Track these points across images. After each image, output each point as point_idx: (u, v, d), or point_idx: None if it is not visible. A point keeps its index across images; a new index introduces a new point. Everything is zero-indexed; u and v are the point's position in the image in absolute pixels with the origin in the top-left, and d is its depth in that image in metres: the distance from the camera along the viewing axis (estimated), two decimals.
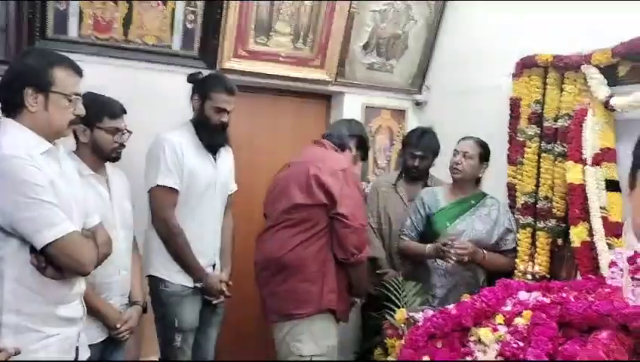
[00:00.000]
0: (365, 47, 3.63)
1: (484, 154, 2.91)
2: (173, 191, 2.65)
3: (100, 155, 2.42)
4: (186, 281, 2.70)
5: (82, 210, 1.96)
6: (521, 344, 1.84)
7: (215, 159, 2.80)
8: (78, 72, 1.93)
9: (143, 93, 3.05)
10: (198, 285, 2.71)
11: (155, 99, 3.12)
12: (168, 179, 2.62)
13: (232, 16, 3.15)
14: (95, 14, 2.90)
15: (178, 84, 3.20)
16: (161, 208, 2.64)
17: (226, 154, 2.89)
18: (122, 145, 2.45)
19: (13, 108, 1.83)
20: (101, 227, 2.05)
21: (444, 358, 1.93)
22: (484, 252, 2.83)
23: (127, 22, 2.99)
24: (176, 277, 2.68)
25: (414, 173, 3.28)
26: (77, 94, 1.91)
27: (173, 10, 3.07)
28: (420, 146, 3.22)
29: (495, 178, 3.06)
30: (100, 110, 2.37)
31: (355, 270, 2.68)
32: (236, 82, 3.42)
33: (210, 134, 2.75)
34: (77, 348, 1.95)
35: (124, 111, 2.48)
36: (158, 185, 2.62)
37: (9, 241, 1.77)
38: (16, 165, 1.73)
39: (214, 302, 2.79)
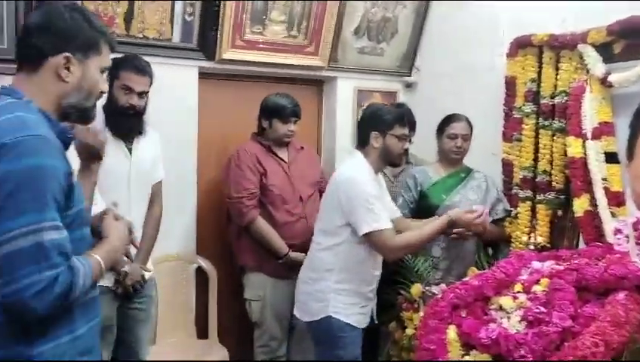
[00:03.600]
0: (356, 31, 3.70)
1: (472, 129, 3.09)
2: None
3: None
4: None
5: None
6: (543, 309, 1.98)
7: (130, 148, 2.67)
8: None
9: None
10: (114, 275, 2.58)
11: (157, 92, 3.16)
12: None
13: (228, 6, 3.19)
14: (97, 10, 2.90)
15: (179, 76, 3.28)
16: None
17: (147, 142, 2.74)
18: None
19: None
20: None
21: (469, 326, 2.05)
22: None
23: (128, 17, 3.00)
24: None
25: None
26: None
27: (173, 3, 3.09)
28: None
29: (484, 153, 3.20)
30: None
31: (250, 234, 3.11)
32: (235, 72, 3.53)
33: (118, 119, 2.59)
34: None
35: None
36: None
37: None
38: None
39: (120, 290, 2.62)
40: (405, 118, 2.69)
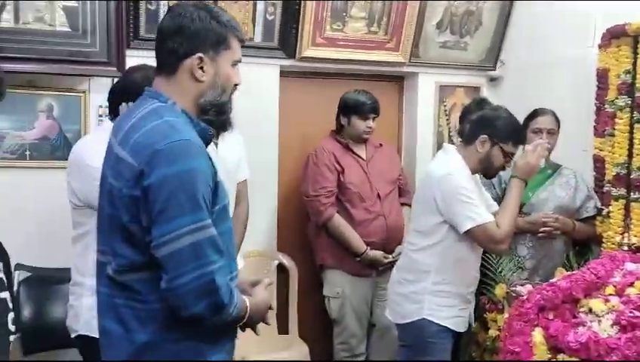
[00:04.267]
0: (439, 25, 3.63)
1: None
2: None
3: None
4: None
5: None
6: (638, 313, 1.87)
7: (216, 142, 2.61)
8: None
9: None
10: None
11: (239, 91, 3.22)
12: None
13: (309, 4, 3.22)
14: None
15: (260, 74, 3.33)
16: None
17: (231, 142, 2.74)
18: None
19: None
20: None
21: (557, 329, 1.98)
22: (575, 222, 2.87)
23: None
24: None
25: None
26: None
27: (255, 3, 3.15)
28: None
29: (574, 149, 3.06)
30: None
31: (328, 232, 3.14)
32: (315, 69, 3.55)
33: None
34: None
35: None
36: None
37: (93, 217, 1.93)
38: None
39: None
40: (523, 139, 2.52)
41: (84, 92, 2.93)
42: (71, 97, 2.94)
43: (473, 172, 2.49)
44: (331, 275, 3.23)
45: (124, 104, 2.06)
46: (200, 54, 1.51)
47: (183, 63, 1.52)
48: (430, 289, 2.43)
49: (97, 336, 1.79)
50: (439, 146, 3.81)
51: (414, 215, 2.58)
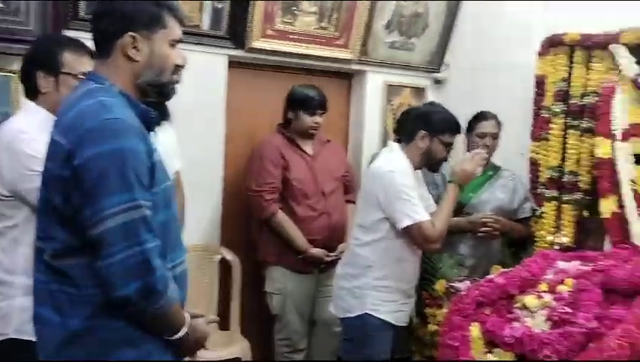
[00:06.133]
0: (387, 25, 3.68)
1: None
2: None
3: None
4: None
5: None
6: (568, 309, 1.97)
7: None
8: (88, 51, 2.00)
9: None
10: None
11: (185, 79, 3.15)
12: None
13: None
14: None
15: (207, 63, 3.27)
16: None
17: (165, 131, 2.65)
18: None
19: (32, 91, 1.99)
20: None
21: (493, 324, 2.06)
22: (512, 223, 3.00)
23: None
24: None
25: None
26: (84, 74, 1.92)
27: None
28: None
29: (513, 151, 3.19)
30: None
31: (271, 228, 3.12)
32: (264, 62, 3.53)
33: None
34: None
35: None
36: None
37: (22, 209, 1.89)
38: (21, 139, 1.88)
39: None
40: (458, 128, 2.65)
41: (15, 72, 2.78)
42: (0, 77, 2.78)
43: (418, 167, 2.58)
44: (273, 271, 3.21)
45: (39, 73, 1.97)
46: (132, 33, 1.49)
47: (116, 44, 1.50)
48: (372, 285, 2.47)
49: (31, 339, 1.67)
50: (385, 144, 3.89)
51: (359, 210, 2.63)
